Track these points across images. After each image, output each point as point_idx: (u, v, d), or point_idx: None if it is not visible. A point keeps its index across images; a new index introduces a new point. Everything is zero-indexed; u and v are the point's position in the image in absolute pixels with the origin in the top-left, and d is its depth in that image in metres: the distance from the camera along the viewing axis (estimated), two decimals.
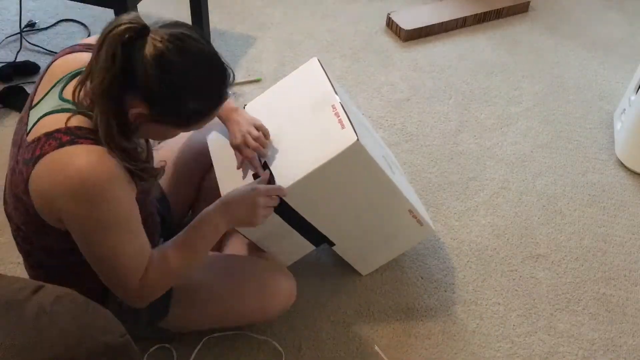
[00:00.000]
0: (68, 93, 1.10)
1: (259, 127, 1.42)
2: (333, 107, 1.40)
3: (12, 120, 2.07)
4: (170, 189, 1.56)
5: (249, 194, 1.25)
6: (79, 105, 1.08)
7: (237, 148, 1.41)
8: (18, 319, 0.93)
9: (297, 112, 1.46)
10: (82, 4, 1.99)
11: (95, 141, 1.05)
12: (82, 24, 2.49)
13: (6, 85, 2.16)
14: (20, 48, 2.33)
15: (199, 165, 1.61)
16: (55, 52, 2.32)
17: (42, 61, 2.28)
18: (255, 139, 1.39)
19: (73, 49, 1.20)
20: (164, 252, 1.20)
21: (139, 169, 1.11)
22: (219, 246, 1.65)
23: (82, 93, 1.08)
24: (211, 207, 1.25)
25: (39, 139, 1.06)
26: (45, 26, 2.47)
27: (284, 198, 1.33)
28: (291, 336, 1.53)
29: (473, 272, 1.72)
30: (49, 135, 1.05)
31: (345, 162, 1.33)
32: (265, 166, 1.39)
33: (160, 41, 1.03)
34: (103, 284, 1.29)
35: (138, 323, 1.34)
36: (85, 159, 1.03)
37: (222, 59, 1.12)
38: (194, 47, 1.06)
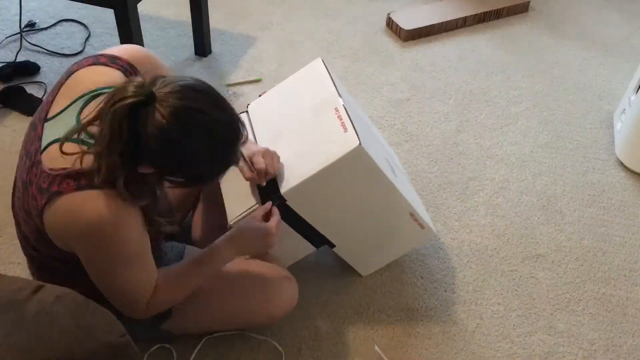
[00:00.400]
0: (86, 116, 1.08)
1: (266, 154, 1.36)
2: (336, 109, 1.40)
3: (12, 120, 2.07)
4: (172, 189, 1.56)
5: (261, 233, 1.28)
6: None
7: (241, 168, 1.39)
8: (18, 319, 0.93)
9: (300, 113, 1.46)
10: (82, 4, 1.99)
11: (112, 185, 1.06)
12: (82, 24, 2.49)
13: (6, 85, 2.16)
14: (20, 48, 2.33)
15: None
16: (56, 52, 2.32)
17: (42, 61, 2.28)
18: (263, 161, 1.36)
19: (97, 60, 1.18)
20: (172, 276, 1.24)
21: (150, 221, 1.14)
22: None
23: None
24: (222, 241, 1.28)
25: (57, 175, 1.06)
26: (45, 26, 2.47)
27: (286, 202, 1.34)
28: (291, 336, 1.53)
29: (473, 272, 1.72)
30: (67, 175, 1.05)
31: (347, 165, 1.33)
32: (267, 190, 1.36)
33: (162, 116, 1.00)
34: None
35: (141, 325, 1.33)
36: (99, 207, 1.04)
37: (231, 118, 1.09)
38: (198, 121, 1.03)
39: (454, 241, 1.80)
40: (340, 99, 1.42)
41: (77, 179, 1.05)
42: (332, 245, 1.53)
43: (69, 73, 1.17)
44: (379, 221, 1.50)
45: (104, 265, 1.12)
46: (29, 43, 2.37)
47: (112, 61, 1.19)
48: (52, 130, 1.11)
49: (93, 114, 1.05)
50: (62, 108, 1.13)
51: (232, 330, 1.50)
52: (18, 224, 1.23)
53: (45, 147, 1.10)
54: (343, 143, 1.32)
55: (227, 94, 2.22)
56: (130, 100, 0.99)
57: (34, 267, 1.31)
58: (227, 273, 1.41)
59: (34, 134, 1.15)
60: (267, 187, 1.35)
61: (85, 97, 1.13)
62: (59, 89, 1.16)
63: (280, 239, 1.37)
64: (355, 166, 1.34)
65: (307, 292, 1.63)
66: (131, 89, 1.00)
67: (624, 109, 2.13)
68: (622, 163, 2.08)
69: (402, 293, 1.66)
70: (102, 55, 1.20)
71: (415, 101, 2.28)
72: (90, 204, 1.04)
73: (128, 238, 1.10)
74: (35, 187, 1.09)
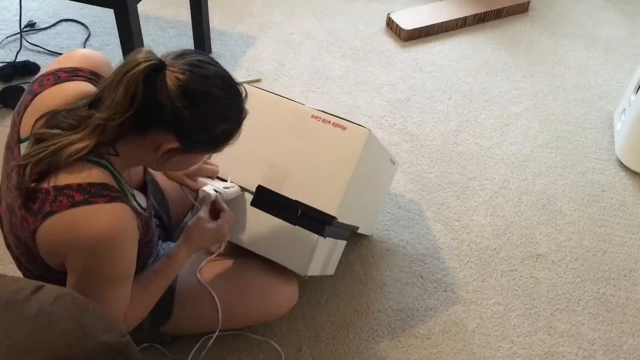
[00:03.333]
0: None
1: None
2: (313, 117, 1.39)
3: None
4: (169, 190, 1.56)
5: (215, 233, 1.29)
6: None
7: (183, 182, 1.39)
8: (18, 319, 0.93)
9: (283, 143, 1.41)
10: (82, 4, 1.99)
11: (109, 198, 1.04)
12: (82, 24, 2.49)
13: (6, 85, 2.16)
14: (20, 48, 2.33)
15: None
16: (56, 52, 2.32)
17: (42, 61, 2.28)
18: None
19: (58, 78, 1.14)
20: (138, 293, 1.20)
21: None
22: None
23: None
24: (179, 248, 1.27)
25: (47, 192, 1.02)
26: (45, 26, 2.47)
27: (336, 219, 1.35)
28: (291, 336, 1.53)
29: (473, 272, 1.72)
30: (58, 190, 1.02)
31: (366, 155, 1.37)
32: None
33: (181, 72, 1.02)
34: None
35: (140, 327, 1.33)
36: (99, 223, 1.02)
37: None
38: (212, 72, 1.07)
39: (454, 241, 1.80)
40: (308, 107, 1.40)
41: (71, 196, 1.01)
42: (356, 229, 1.57)
43: (33, 94, 1.13)
44: (377, 185, 1.60)
45: (94, 281, 1.08)
46: (29, 43, 2.37)
47: (74, 74, 1.16)
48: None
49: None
50: (31, 130, 1.10)
51: (231, 331, 1.50)
52: (9, 246, 1.20)
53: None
54: (353, 138, 1.33)
55: None
56: (144, 65, 1.00)
57: (26, 274, 1.30)
58: (226, 272, 1.41)
59: (12, 155, 1.13)
60: (309, 219, 1.33)
61: (61, 114, 1.09)
62: (25, 109, 1.13)
63: (320, 258, 1.39)
64: (370, 152, 1.40)
65: (307, 292, 1.63)
66: (142, 56, 1.01)
67: (624, 109, 2.13)
68: (622, 163, 2.08)
69: (402, 293, 1.66)
70: (61, 70, 1.16)
71: (415, 101, 2.28)
72: (90, 220, 1.01)
73: (125, 255, 1.08)
74: (25, 208, 1.05)
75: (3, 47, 2.36)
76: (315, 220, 1.35)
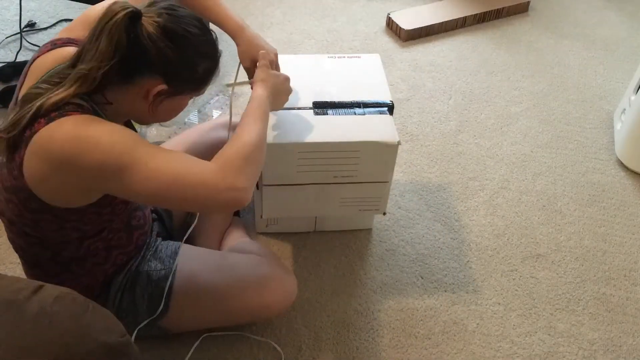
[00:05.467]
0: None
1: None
2: (329, 57, 1.70)
3: None
4: None
5: (280, 77, 1.36)
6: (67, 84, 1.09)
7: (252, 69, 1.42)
8: (18, 319, 0.93)
9: (315, 79, 1.63)
10: (82, 4, 1.99)
11: (83, 112, 1.07)
12: None
13: (6, 85, 2.16)
14: (20, 48, 2.33)
15: None
16: None
17: None
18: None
19: (54, 45, 1.20)
20: (232, 139, 1.14)
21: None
22: (219, 243, 1.66)
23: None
24: (257, 88, 1.28)
25: (28, 122, 1.06)
26: (45, 26, 2.47)
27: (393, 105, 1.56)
28: (291, 336, 1.53)
29: (473, 272, 1.72)
30: (33, 115, 1.05)
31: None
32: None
33: (158, 16, 1.08)
34: (100, 280, 1.31)
35: (137, 321, 1.34)
36: (71, 123, 1.04)
37: None
38: (185, 13, 1.13)
39: (454, 241, 1.80)
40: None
41: (46, 115, 1.05)
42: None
43: (30, 63, 1.19)
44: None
45: (123, 171, 1.02)
46: (29, 43, 2.37)
47: (70, 42, 1.21)
48: None
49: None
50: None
51: (231, 330, 1.50)
52: (2, 213, 1.21)
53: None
54: (371, 59, 1.70)
55: (227, 94, 2.22)
56: (122, 13, 1.05)
57: (26, 263, 1.31)
58: (224, 266, 1.42)
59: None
60: (373, 107, 1.53)
61: (49, 73, 1.13)
62: (24, 78, 1.18)
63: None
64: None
65: (307, 292, 1.63)
66: (118, 6, 1.06)
67: (624, 109, 2.13)
68: (622, 163, 2.08)
69: (402, 293, 1.66)
70: (58, 39, 1.22)
71: (415, 101, 2.28)
72: (64, 124, 1.04)
73: (109, 128, 1.05)
74: (11, 153, 1.09)
75: (3, 47, 2.36)
76: (378, 106, 1.54)
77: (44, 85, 1.09)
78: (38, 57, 1.18)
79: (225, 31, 1.45)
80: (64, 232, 1.17)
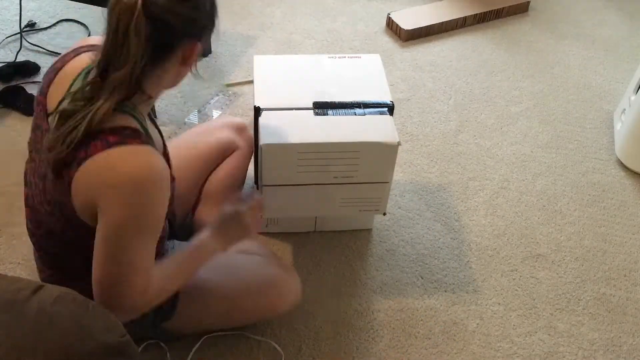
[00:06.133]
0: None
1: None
2: (329, 57, 1.69)
3: (12, 120, 2.07)
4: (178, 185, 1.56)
5: (238, 218, 1.31)
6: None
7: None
8: (18, 319, 0.93)
9: (316, 77, 1.63)
10: (82, 4, 1.99)
11: (142, 141, 1.06)
12: (82, 24, 2.49)
13: (6, 85, 2.16)
14: (20, 48, 2.33)
15: (202, 169, 1.61)
16: (56, 52, 2.32)
17: (42, 61, 2.28)
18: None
19: (77, 52, 1.18)
20: (163, 272, 1.19)
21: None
22: None
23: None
24: (204, 235, 1.28)
25: (80, 141, 1.03)
26: (45, 26, 2.46)
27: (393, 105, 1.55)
28: (291, 337, 1.53)
29: (473, 272, 1.72)
30: (93, 137, 1.03)
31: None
32: None
33: None
34: None
35: (143, 324, 1.33)
36: (135, 161, 1.03)
37: None
38: None
39: (454, 241, 1.80)
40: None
41: (105, 139, 1.02)
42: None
43: (56, 70, 1.17)
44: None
45: (126, 230, 1.07)
46: (29, 43, 2.36)
47: (92, 47, 1.18)
48: None
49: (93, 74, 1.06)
50: (60, 98, 1.11)
51: (231, 330, 1.50)
52: (38, 222, 1.21)
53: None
54: (372, 59, 1.70)
55: (227, 94, 2.22)
56: (139, 6, 0.99)
57: (47, 266, 1.30)
58: (230, 268, 1.42)
59: (40, 132, 1.15)
60: (373, 107, 1.53)
61: (81, 75, 1.12)
62: (48, 87, 1.16)
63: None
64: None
65: (307, 292, 1.63)
66: (126, 1, 1.00)
67: (624, 109, 2.13)
68: (622, 163, 2.08)
69: (402, 293, 1.66)
70: (81, 47, 1.20)
71: (415, 101, 2.28)
72: (127, 158, 1.03)
73: (161, 201, 1.08)
74: (60, 170, 1.08)
75: (3, 47, 2.36)
76: (379, 106, 1.53)
77: (79, 102, 1.05)
78: (62, 66, 1.16)
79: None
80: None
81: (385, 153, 1.47)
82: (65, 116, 1.06)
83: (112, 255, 1.10)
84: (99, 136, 1.03)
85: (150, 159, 1.05)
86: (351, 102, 1.54)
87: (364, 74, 1.64)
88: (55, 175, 1.08)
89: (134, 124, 1.08)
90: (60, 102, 1.10)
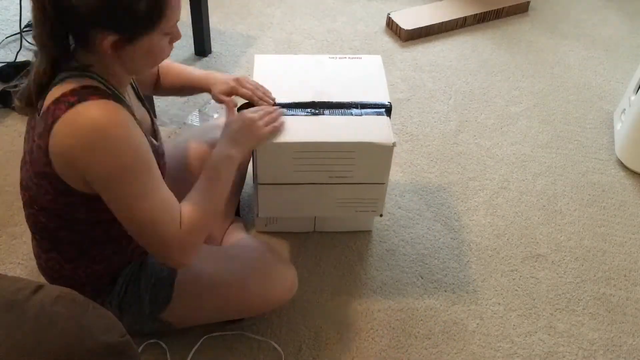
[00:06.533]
0: None
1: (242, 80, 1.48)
2: (330, 57, 1.69)
3: (12, 120, 2.07)
4: (170, 187, 1.57)
5: (240, 117, 1.37)
6: (74, 66, 1.11)
7: (229, 91, 1.45)
8: (18, 319, 0.93)
9: (316, 78, 1.62)
10: None
11: (103, 96, 1.08)
12: None
13: (6, 85, 2.16)
14: (20, 48, 2.33)
15: (201, 168, 1.61)
16: None
17: None
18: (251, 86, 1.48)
19: None
20: (191, 202, 1.21)
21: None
22: (220, 241, 1.66)
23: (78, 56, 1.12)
24: (216, 150, 1.31)
25: (47, 109, 1.08)
26: None
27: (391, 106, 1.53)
28: (291, 337, 1.53)
29: (473, 272, 1.72)
30: (56, 101, 1.07)
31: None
32: None
33: None
34: (115, 267, 1.32)
35: (141, 313, 1.34)
36: (96, 111, 1.06)
37: None
38: None
39: (454, 241, 1.80)
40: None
41: (66, 101, 1.06)
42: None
43: None
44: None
45: (120, 179, 1.09)
46: (29, 43, 2.36)
47: None
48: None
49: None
50: None
51: (231, 330, 1.51)
52: (33, 201, 1.22)
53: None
54: (372, 60, 1.68)
55: None
56: None
57: (43, 249, 1.31)
58: (225, 258, 1.42)
59: (31, 117, 1.20)
60: (369, 108, 1.52)
61: None
62: None
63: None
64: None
65: (307, 292, 1.63)
66: None
67: (624, 109, 2.13)
68: (622, 163, 2.08)
69: (402, 293, 1.66)
70: None
71: (415, 101, 2.28)
72: (87, 112, 1.06)
73: (134, 138, 1.10)
74: (37, 139, 1.12)
75: (3, 47, 2.36)
76: (376, 107, 1.53)
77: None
78: None
79: (198, 85, 1.51)
80: (95, 213, 1.19)
81: (380, 154, 1.46)
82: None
83: (125, 209, 1.13)
84: (60, 99, 1.07)
85: (107, 107, 1.08)
86: (349, 103, 1.53)
87: (364, 74, 1.63)
88: (37, 139, 1.11)
89: (96, 83, 1.11)
90: None
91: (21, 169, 1.25)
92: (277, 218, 1.73)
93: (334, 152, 1.45)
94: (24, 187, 1.24)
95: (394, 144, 1.45)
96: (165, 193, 1.16)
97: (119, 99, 1.13)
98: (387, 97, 1.56)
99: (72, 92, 1.07)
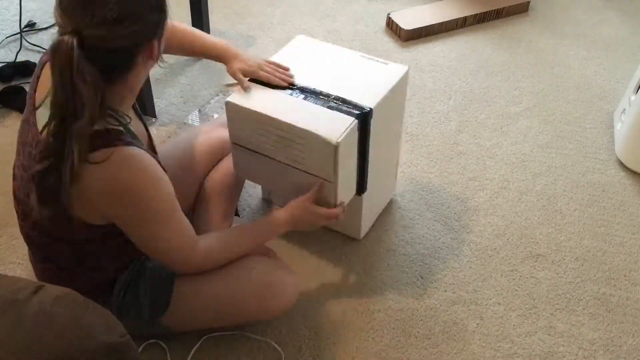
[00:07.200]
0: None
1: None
2: (361, 56, 1.67)
3: (12, 120, 2.07)
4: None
5: (315, 218, 1.43)
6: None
7: (248, 72, 1.52)
8: (18, 319, 0.93)
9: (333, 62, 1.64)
10: None
11: (126, 142, 1.11)
12: None
13: (6, 85, 2.16)
14: (20, 48, 2.33)
15: (202, 167, 1.61)
16: None
17: None
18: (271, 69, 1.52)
19: None
20: (224, 237, 1.37)
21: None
22: None
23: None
24: (279, 215, 1.40)
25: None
26: (45, 26, 2.47)
27: (371, 116, 1.48)
28: (291, 336, 1.53)
29: (473, 272, 1.72)
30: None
31: (400, 86, 1.60)
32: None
33: (106, 8, 1.02)
34: (112, 274, 1.33)
35: (140, 318, 1.34)
36: (126, 166, 1.09)
37: None
38: None
39: (454, 241, 1.80)
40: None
41: (91, 142, 1.06)
42: (362, 191, 1.61)
43: (42, 64, 1.20)
44: (393, 141, 1.73)
45: (145, 223, 1.18)
46: (29, 43, 2.37)
47: None
48: (44, 115, 1.11)
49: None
50: (46, 93, 1.13)
51: (231, 330, 1.50)
52: (24, 214, 1.23)
53: (43, 130, 1.09)
54: (395, 69, 1.60)
55: (227, 94, 2.22)
56: (65, 45, 0.98)
57: (38, 259, 1.31)
58: (227, 268, 1.41)
59: (28, 125, 1.19)
60: (344, 107, 1.47)
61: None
62: (37, 81, 1.19)
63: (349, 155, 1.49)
64: (402, 88, 1.62)
65: (307, 292, 1.63)
66: (59, 43, 1.00)
67: (624, 109, 2.13)
68: (622, 163, 2.08)
69: (402, 293, 1.66)
70: None
71: (415, 101, 2.28)
72: (116, 162, 1.08)
73: (161, 188, 1.16)
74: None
75: (3, 47, 2.36)
76: (354, 107, 1.48)
77: (50, 158, 1.07)
78: (47, 60, 1.16)
79: (214, 54, 1.57)
80: (91, 230, 1.19)
81: (324, 149, 1.41)
82: (40, 177, 1.09)
83: (143, 238, 1.22)
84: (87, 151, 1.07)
85: (134, 159, 1.10)
86: (334, 96, 1.51)
87: (374, 78, 1.59)
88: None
89: (115, 124, 1.12)
90: (44, 98, 1.13)
91: (14, 178, 1.24)
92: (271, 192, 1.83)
93: (287, 132, 1.43)
94: (17, 199, 1.24)
95: (337, 143, 1.39)
96: (183, 222, 1.24)
97: (133, 136, 1.16)
98: (372, 104, 1.49)
99: (98, 134, 1.07)
